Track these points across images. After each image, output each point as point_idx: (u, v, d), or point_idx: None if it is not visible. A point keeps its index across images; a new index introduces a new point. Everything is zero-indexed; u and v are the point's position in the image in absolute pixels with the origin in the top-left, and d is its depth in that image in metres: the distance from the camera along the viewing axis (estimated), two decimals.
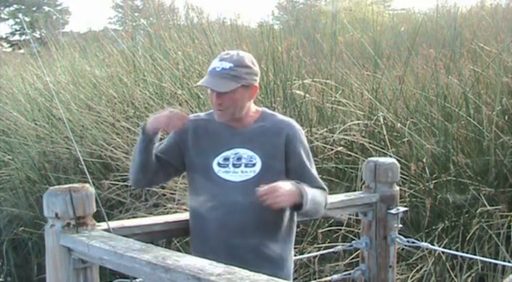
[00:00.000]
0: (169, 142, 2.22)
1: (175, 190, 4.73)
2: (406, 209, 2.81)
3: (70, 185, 1.93)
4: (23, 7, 32.57)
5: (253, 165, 2.13)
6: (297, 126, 2.22)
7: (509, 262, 3.65)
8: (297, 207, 2.04)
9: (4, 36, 31.58)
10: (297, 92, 5.34)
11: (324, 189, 2.22)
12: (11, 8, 33.26)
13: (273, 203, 1.96)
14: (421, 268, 3.96)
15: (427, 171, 4.28)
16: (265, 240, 2.12)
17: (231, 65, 2.07)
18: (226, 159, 2.15)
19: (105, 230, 1.96)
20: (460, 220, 4.12)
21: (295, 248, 2.31)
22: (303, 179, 2.13)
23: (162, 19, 8.56)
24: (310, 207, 2.07)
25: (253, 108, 2.21)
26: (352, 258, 3.90)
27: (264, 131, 2.17)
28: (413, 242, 2.73)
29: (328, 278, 2.90)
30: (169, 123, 2.08)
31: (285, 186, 1.98)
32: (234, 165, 2.13)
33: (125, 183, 5.43)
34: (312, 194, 2.08)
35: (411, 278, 3.90)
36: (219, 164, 2.15)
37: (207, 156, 2.17)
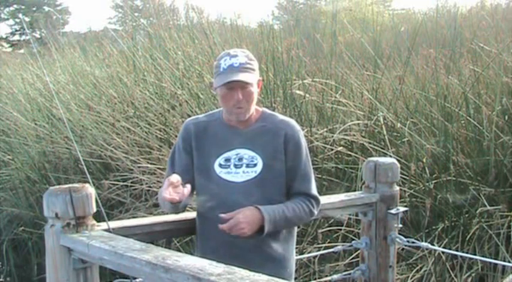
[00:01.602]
0: (181, 156, 2.21)
1: None
2: (406, 209, 2.81)
3: (70, 185, 1.93)
4: (23, 7, 32.52)
5: (255, 165, 2.13)
6: (297, 126, 2.22)
7: (509, 262, 3.65)
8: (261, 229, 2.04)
9: (4, 36, 31.54)
10: (297, 92, 5.34)
11: (312, 197, 2.20)
12: (11, 8, 33.20)
13: (239, 234, 1.99)
14: (421, 268, 3.96)
15: (427, 171, 4.28)
16: (268, 239, 2.12)
17: (246, 59, 2.10)
18: (228, 160, 2.15)
19: (105, 230, 1.96)
20: (460, 220, 4.12)
21: (295, 248, 2.31)
22: (294, 183, 2.16)
23: (162, 19, 8.57)
24: (277, 226, 2.08)
25: (253, 107, 2.22)
26: (352, 258, 3.90)
27: (265, 131, 2.17)
28: (413, 242, 2.73)
29: (328, 278, 2.90)
30: (173, 198, 1.99)
31: (245, 216, 1.99)
32: (236, 166, 2.14)
33: (125, 183, 5.43)
34: (281, 213, 2.08)
35: (411, 278, 3.90)
36: (220, 165, 2.15)
37: (209, 158, 2.17)
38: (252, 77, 2.08)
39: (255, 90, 2.12)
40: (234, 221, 1.98)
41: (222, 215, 2.00)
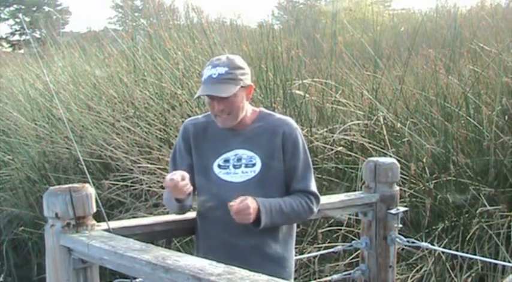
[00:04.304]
0: (183, 157, 2.21)
1: None
2: (406, 209, 2.81)
3: (70, 185, 1.93)
4: (23, 7, 32.52)
5: (253, 165, 2.13)
6: (294, 125, 2.22)
7: (509, 262, 3.65)
8: (257, 222, 2.04)
9: (4, 36, 31.55)
10: (297, 92, 5.33)
11: (311, 194, 2.19)
12: (11, 8, 33.21)
13: (241, 220, 1.99)
14: (421, 268, 3.96)
15: (427, 171, 4.28)
16: (267, 239, 2.12)
17: (226, 69, 2.07)
18: (227, 160, 2.15)
19: (105, 230, 1.96)
20: (460, 220, 4.12)
21: (295, 248, 2.31)
22: (293, 180, 2.16)
23: (162, 19, 8.56)
24: (274, 221, 2.07)
25: (249, 108, 2.22)
26: (352, 258, 3.90)
27: (262, 131, 2.17)
28: (413, 242, 2.73)
29: (328, 278, 2.90)
30: (176, 191, 2.01)
31: (252, 203, 2.00)
32: (235, 166, 2.14)
33: (125, 183, 5.43)
34: (277, 207, 2.08)
35: (411, 278, 3.90)
36: (219, 166, 2.15)
37: (208, 158, 2.17)
38: (230, 89, 2.05)
39: (238, 99, 2.09)
40: (244, 205, 1.97)
41: (231, 203, 1.97)
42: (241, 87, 2.09)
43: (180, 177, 1.95)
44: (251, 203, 1.99)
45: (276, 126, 2.17)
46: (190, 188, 2.01)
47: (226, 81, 2.05)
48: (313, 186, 2.21)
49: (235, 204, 1.97)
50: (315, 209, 2.21)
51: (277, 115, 2.26)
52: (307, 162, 2.21)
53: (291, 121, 2.23)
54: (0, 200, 7.42)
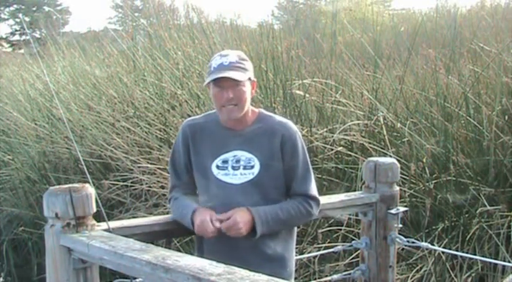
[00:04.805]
0: (182, 159, 2.22)
1: None
2: (406, 209, 2.81)
3: (70, 185, 1.93)
4: (23, 7, 32.51)
5: (252, 167, 2.13)
6: (294, 128, 2.20)
7: (509, 262, 3.65)
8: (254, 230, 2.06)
9: (4, 36, 31.54)
10: (297, 92, 5.33)
11: (310, 197, 2.19)
12: (11, 8, 33.21)
13: (234, 235, 2.02)
14: (421, 268, 3.96)
15: (427, 171, 4.28)
16: (267, 240, 2.12)
17: (236, 58, 2.10)
18: (225, 161, 2.15)
19: (105, 230, 1.96)
20: (460, 220, 4.12)
21: (295, 248, 2.31)
22: (293, 184, 2.16)
23: (162, 19, 8.56)
24: (271, 228, 2.08)
25: (249, 109, 2.21)
26: (352, 258, 3.90)
27: (262, 133, 2.16)
28: (413, 242, 2.73)
29: (328, 278, 2.90)
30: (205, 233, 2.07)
31: (241, 216, 2.02)
32: (233, 168, 2.14)
33: (125, 183, 5.43)
34: (274, 215, 2.08)
35: (411, 278, 3.90)
36: (218, 167, 2.15)
37: (206, 159, 2.17)
38: (242, 75, 2.07)
39: (246, 89, 2.10)
40: (232, 222, 2.00)
41: (219, 216, 2.02)
42: (249, 78, 2.12)
43: (218, 224, 2.02)
44: (240, 217, 2.01)
45: (276, 129, 2.17)
46: (216, 232, 2.04)
47: (237, 68, 2.07)
48: (313, 190, 2.21)
49: (223, 221, 2.01)
50: (315, 212, 2.21)
51: (277, 117, 2.24)
52: (307, 164, 2.20)
53: (291, 124, 2.22)
54: (0, 200, 7.42)
